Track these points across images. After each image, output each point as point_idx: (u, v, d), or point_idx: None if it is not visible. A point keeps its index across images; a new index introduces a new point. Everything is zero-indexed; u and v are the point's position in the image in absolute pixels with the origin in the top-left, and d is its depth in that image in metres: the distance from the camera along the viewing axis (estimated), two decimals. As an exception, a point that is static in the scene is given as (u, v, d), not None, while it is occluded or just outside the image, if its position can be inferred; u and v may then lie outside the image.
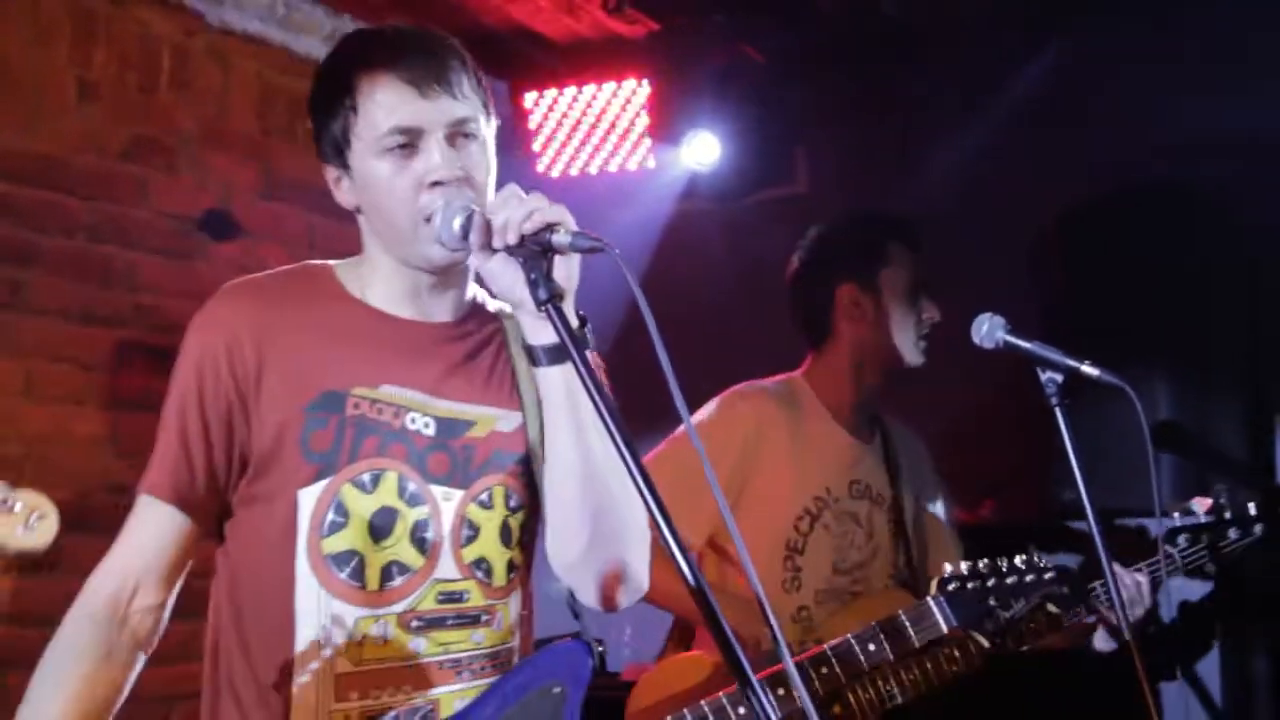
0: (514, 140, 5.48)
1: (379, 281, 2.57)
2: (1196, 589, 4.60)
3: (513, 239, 2.27)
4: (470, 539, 2.54)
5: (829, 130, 5.46)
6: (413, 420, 2.52)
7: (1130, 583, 3.69)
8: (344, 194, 2.55)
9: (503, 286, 2.37)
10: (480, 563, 2.55)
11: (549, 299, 2.23)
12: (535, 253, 2.26)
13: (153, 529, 2.53)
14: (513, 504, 2.59)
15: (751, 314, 5.14)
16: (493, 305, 2.66)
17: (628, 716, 3.72)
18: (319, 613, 2.46)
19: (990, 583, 3.42)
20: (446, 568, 2.53)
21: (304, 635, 2.46)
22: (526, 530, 2.62)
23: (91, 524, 4.47)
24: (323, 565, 2.45)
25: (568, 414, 2.45)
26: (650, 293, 5.51)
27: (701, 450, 2.19)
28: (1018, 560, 3.49)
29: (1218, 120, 4.73)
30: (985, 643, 3.74)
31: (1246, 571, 4.34)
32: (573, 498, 2.50)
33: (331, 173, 2.55)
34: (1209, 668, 4.59)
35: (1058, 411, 3.18)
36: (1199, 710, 4.58)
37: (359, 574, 2.47)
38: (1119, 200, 4.87)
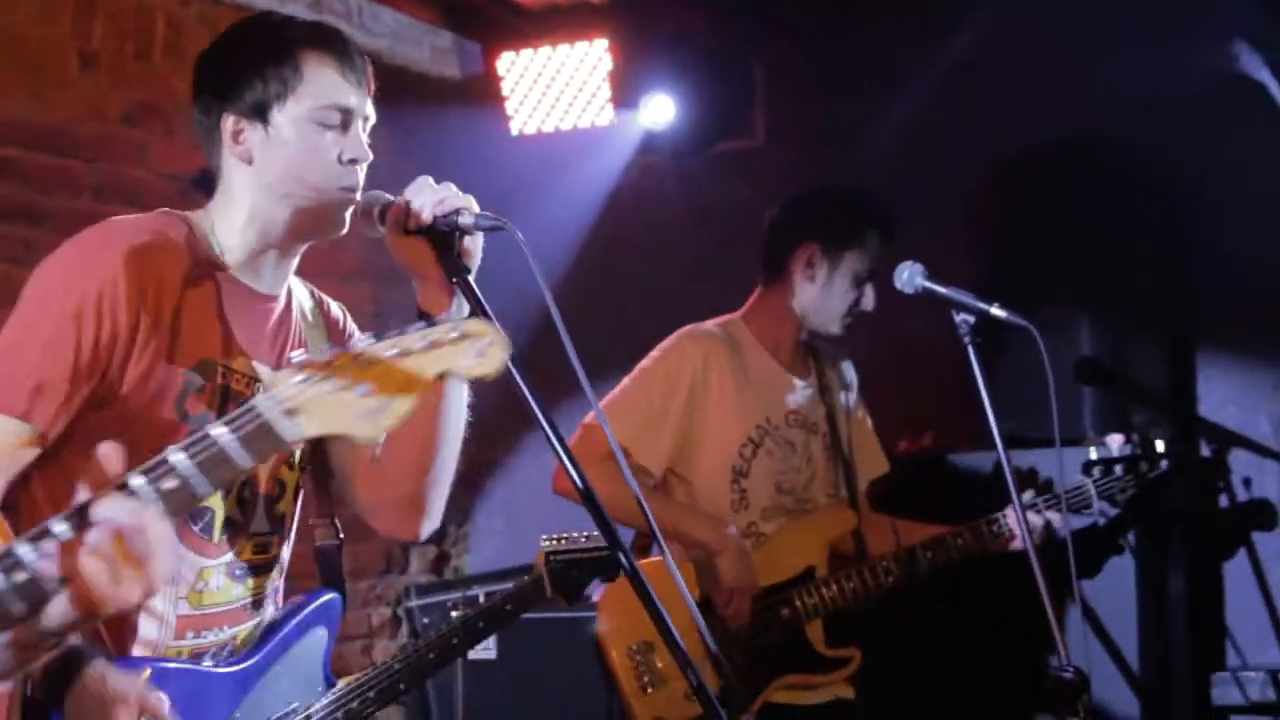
0: (488, 99, 5.77)
1: (236, 244, 2.74)
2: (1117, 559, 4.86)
3: (426, 219, 2.57)
4: (279, 496, 2.84)
5: (781, 88, 5.73)
6: (258, 389, 2.69)
7: (1032, 521, 4.08)
8: (243, 145, 2.71)
9: (408, 260, 2.66)
10: (283, 517, 2.86)
11: (455, 273, 2.55)
12: (444, 234, 2.57)
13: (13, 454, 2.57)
14: (303, 463, 2.89)
15: (705, 260, 5.48)
16: (291, 283, 2.86)
17: (600, 608, 4.04)
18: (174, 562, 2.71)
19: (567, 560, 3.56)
20: (260, 522, 2.80)
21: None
22: (303, 486, 2.92)
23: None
24: (181, 519, 2.66)
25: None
26: (611, 241, 5.99)
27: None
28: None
29: (1132, 77, 5.02)
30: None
31: (1163, 498, 4.71)
32: (424, 443, 2.80)
33: (237, 123, 2.71)
34: (1126, 585, 4.89)
35: (970, 349, 3.47)
36: (1117, 623, 4.89)
37: (209, 528, 2.71)
38: (1043, 155, 5.13)
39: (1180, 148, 5.10)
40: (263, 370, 2.77)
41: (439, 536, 6.35)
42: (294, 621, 2.84)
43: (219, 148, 2.77)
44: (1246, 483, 4.86)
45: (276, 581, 2.89)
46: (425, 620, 5.49)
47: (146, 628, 2.67)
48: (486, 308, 2.50)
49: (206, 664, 2.73)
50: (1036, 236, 5.09)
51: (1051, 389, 3.50)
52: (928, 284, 3.64)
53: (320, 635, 2.86)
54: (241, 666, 2.77)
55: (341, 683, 2.93)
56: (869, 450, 4.48)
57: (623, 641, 3.99)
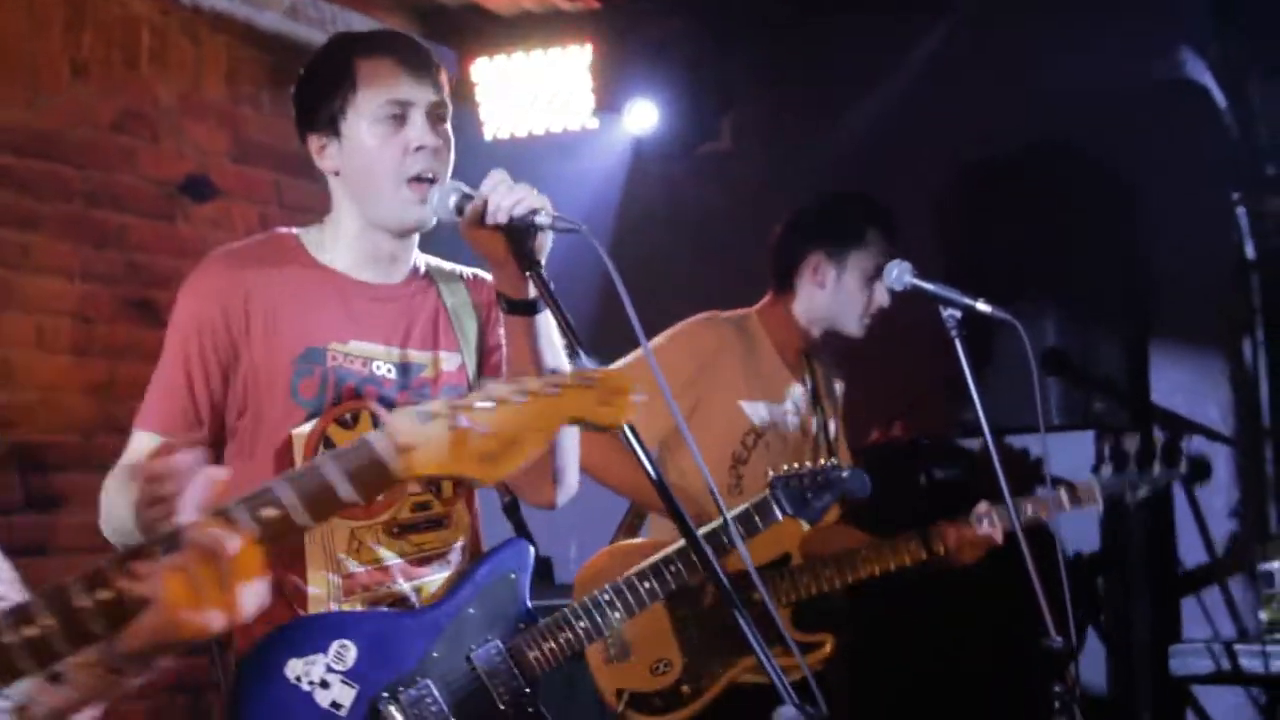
0: (461, 106, 5.89)
1: (343, 248, 3.00)
2: (1080, 529, 5.15)
3: (503, 219, 2.74)
4: None
5: (754, 94, 5.92)
6: (378, 367, 2.96)
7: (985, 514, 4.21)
8: (328, 159, 2.97)
9: (483, 249, 2.84)
10: (434, 479, 2.99)
11: (530, 266, 2.73)
12: (520, 230, 2.73)
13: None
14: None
15: (685, 259, 5.64)
16: (422, 266, 3.10)
17: (577, 582, 4.11)
18: (322, 527, 2.89)
19: (805, 480, 3.83)
20: (411, 484, 2.98)
21: (311, 549, 2.91)
22: None
23: (95, 462, 4.98)
24: None
25: (531, 347, 2.92)
26: (600, 237, 6.03)
27: (658, 370, 2.70)
28: (825, 464, 3.89)
29: (1091, 81, 5.25)
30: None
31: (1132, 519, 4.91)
32: None
33: (318, 141, 2.97)
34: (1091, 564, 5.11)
35: (957, 342, 3.66)
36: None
37: None
38: (1007, 155, 5.36)
39: (1135, 148, 5.32)
40: (372, 349, 2.97)
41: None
42: (485, 567, 3.05)
43: (319, 170, 3.04)
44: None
45: (455, 537, 3.07)
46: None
47: (314, 590, 2.90)
48: (556, 298, 2.68)
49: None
50: (1001, 234, 5.31)
51: (1035, 378, 3.70)
52: (916, 281, 3.83)
53: (512, 577, 3.06)
54: (434, 610, 2.97)
55: (543, 621, 3.14)
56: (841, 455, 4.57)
57: None
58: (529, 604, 3.10)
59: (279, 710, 2.80)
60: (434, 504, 3.05)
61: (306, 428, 2.91)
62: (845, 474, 3.85)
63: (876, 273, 4.30)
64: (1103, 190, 5.37)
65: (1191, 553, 5.40)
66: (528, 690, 3.03)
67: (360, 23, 6.00)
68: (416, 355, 3.03)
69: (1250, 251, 5.66)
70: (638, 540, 4.28)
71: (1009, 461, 4.49)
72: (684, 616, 4.08)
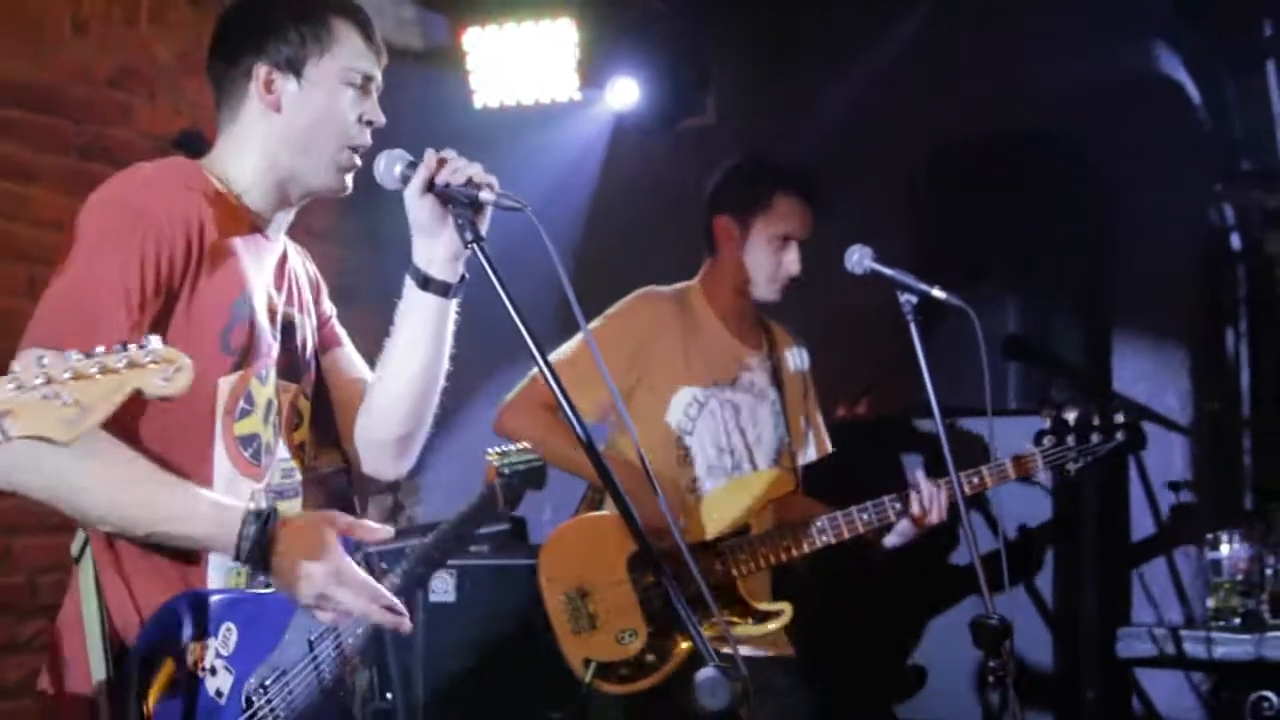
0: (452, 73, 6.02)
1: (252, 189, 2.89)
2: (1034, 512, 5.25)
3: (458, 181, 2.79)
4: (297, 424, 3.00)
5: (733, 72, 6.04)
6: (277, 321, 2.91)
7: (926, 492, 4.27)
8: (274, 94, 2.88)
9: (422, 218, 2.88)
10: (302, 445, 3.02)
11: (475, 239, 2.77)
12: (464, 204, 2.79)
13: None
14: (315, 395, 3.07)
15: (665, 230, 5.75)
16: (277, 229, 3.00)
17: (541, 555, 4.30)
18: (226, 483, 2.79)
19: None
20: (284, 449, 2.95)
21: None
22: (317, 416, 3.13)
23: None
24: (234, 445, 2.81)
25: (433, 329, 2.98)
26: (578, 210, 6.24)
27: (597, 352, 2.82)
28: None
29: (1059, 73, 5.40)
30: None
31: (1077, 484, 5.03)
32: (409, 394, 3.04)
33: (269, 72, 2.88)
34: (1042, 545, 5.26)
35: (912, 327, 3.78)
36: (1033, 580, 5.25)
37: (257, 454, 2.86)
38: (979, 140, 5.49)
39: (1103, 140, 5.44)
40: (279, 305, 2.94)
41: (394, 486, 6.63)
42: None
43: (242, 97, 2.92)
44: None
45: (300, 507, 3.00)
46: (384, 565, 5.74)
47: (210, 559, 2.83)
48: (499, 274, 2.71)
49: (262, 589, 2.84)
50: (969, 220, 5.45)
51: (984, 363, 3.84)
52: (876, 266, 3.95)
53: (359, 557, 2.94)
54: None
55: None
56: (814, 431, 4.70)
57: (559, 588, 4.22)
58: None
59: (181, 697, 2.69)
60: (295, 470, 3.00)
61: (234, 378, 2.81)
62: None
63: (784, 240, 4.41)
64: (1072, 179, 5.49)
65: (1143, 537, 5.54)
66: (346, 671, 2.96)
67: (358, -13, 6.12)
68: (294, 315, 3.03)
69: (1235, 242, 5.81)
70: (602, 513, 4.37)
71: (964, 441, 4.68)
72: (648, 587, 4.19)
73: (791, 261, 4.42)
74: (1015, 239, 5.38)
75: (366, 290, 6.37)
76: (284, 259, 3.03)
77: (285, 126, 2.91)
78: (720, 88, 6.04)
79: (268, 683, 2.78)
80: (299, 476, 2.99)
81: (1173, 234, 5.59)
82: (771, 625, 4.29)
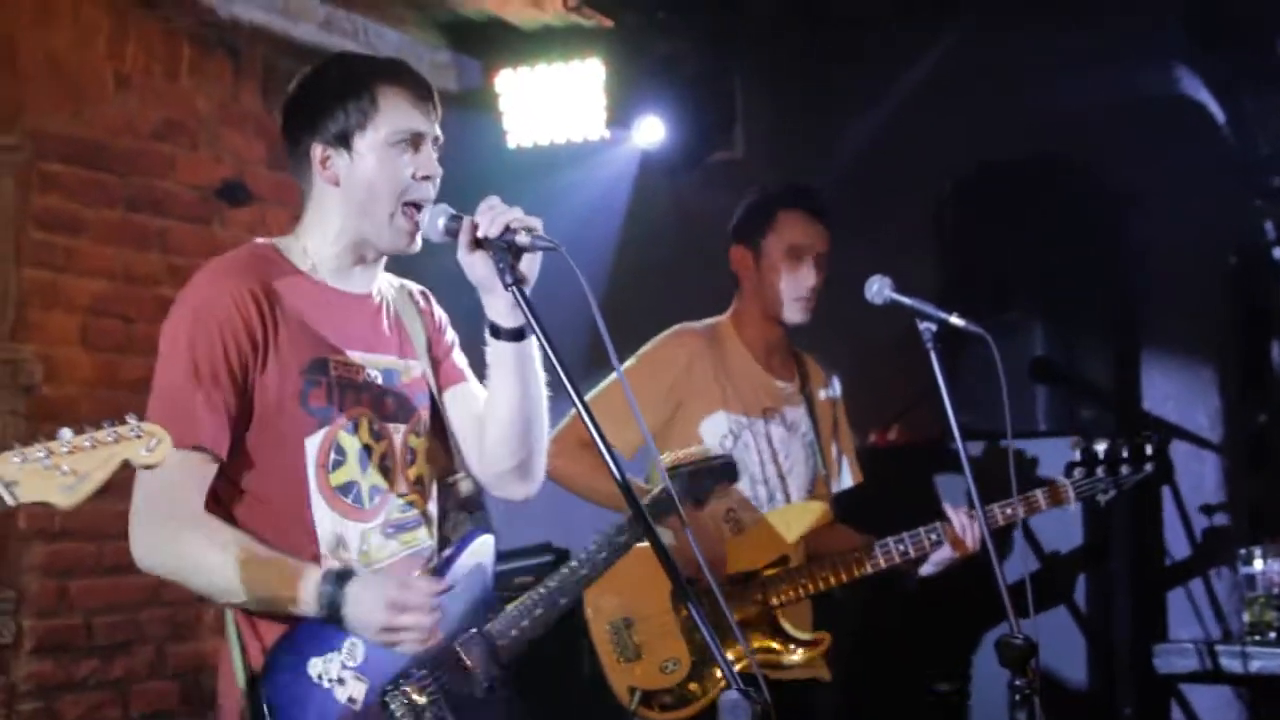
0: (486, 115, 6.15)
1: (327, 257, 3.13)
2: (1067, 530, 5.29)
3: (494, 232, 2.92)
4: (411, 461, 3.23)
5: (757, 109, 6.14)
6: (369, 375, 3.15)
7: (957, 523, 4.34)
8: (330, 169, 3.09)
9: (478, 275, 3.03)
10: (419, 479, 3.27)
11: (514, 282, 2.91)
12: (503, 249, 2.92)
13: (201, 479, 2.99)
14: (429, 431, 3.29)
15: (694, 265, 5.84)
16: (380, 281, 3.27)
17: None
18: (331, 530, 3.06)
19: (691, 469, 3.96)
20: (401, 486, 3.19)
21: (324, 549, 3.05)
22: (433, 450, 3.35)
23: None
24: (331, 494, 3.07)
25: (517, 372, 3.16)
26: (607, 246, 6.32)
27: (630, 395, 2.95)
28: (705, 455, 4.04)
29: (1081, 98, 5.47)
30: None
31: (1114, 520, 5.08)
32: (513, 431, 3.23)
33: (323, 151, 3.09)
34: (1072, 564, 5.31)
35: (932, 354, 3.81)
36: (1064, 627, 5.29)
37: (358, 498, 3.10)
38: (1001, 170, 5.52)
39: (1125, 162, 5.48)
40: (363, 357, 3.16)
41: (466, 504, 6.75)
42: (458, 560, 3.22)
43: (309, 174, 3.15)
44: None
45: (430, 533, 3.26)
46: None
47: None
48: (537, 317, 2.87)
49: None
50: (995, 246, 5.47)
51: (1004, 389, 3.86)
52: (895, 295, 4.00)
53: (481, 568, 3.25)
54: None
55: (510, 606, 3.38)
56: (848, 460, 4.77)
57: (604, 618, 4.29)
58: (494, 591, 3.29)
59: (307, 708, 2.95)
60: (416, 503, 3.23)
61: (319, 435, 3.06)
62: (716, 463, 4.01)
63: (793, 253, 4.48)
64: (1096, 201, 5.51)
65: (1176, 554, 5.59)
66: (503, 673, 3.20)
67: (391, 36, 6.27)
68: (395, 361, 3.23)
69: (1277, 256, 5.85)
70: (646, 545, 4.44)
71: (993, 467, 4.71)
72: (689, 617, 4.23)
73: (807, 275, 4.48)
74: (1041, 262, 5.40)
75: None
76: (379, 310, 3.24)
77: (345, 197, 3.11)
78: (748, 122, 6.14)
79: (405, 686, 3.05)
80: (424, 507, 3.25)
81: (1200, 251, 5.62)
82: (811, 653, 4.37)
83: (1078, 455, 4.50)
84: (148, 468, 2.46)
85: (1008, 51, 5.68)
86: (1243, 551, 5.25)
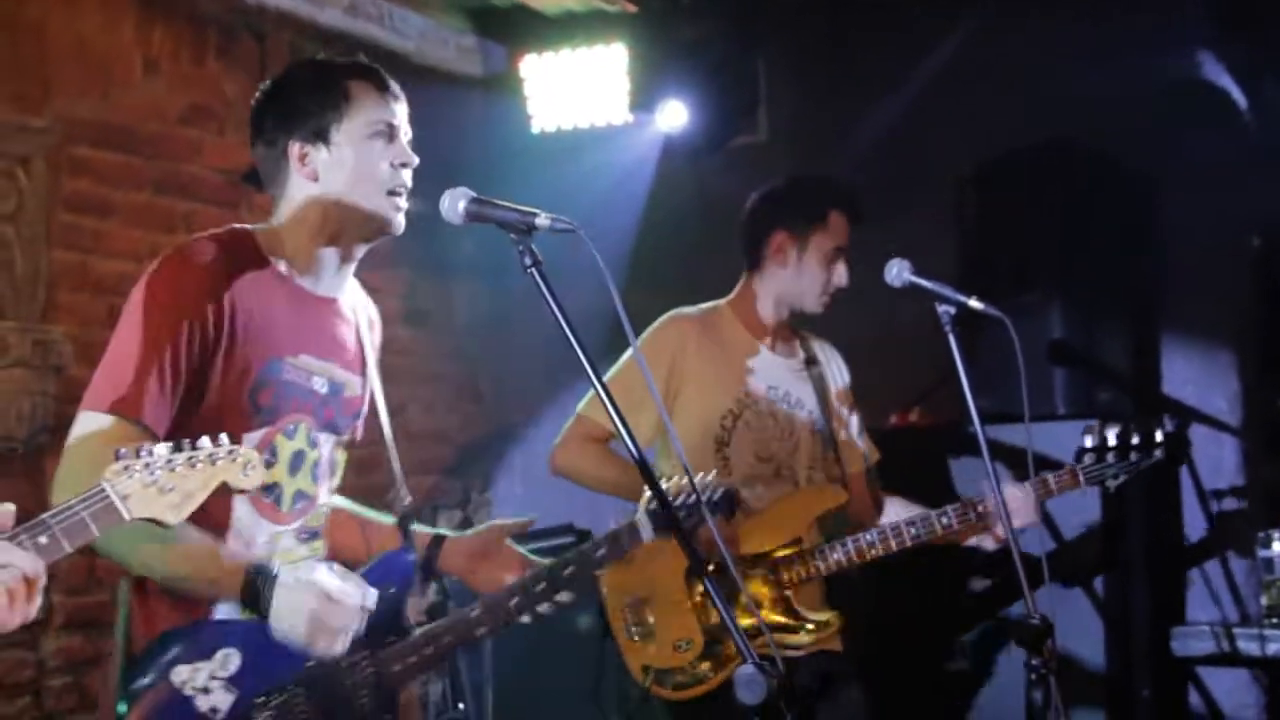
0: (512, 99, 6.21)
1: (301, 254, 3.16)
2: (1085, 513, 5.22)
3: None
4: (332, 473, 3.30)
5: (779, 93, 6.18)
6: (316, 382, 3.19)
7: (1012, 495, 4.26)
8: (308, 165, 3.15)
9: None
10: (339, 491, 3.36)
11: (533, 264, 2.90)
12: (522, 230, 2.91)
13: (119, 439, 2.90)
14: (351, 448, 3.35)
15: (716, 249, 5.87)
16: (349, 288, 3.30)
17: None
18: (247, 525, 3.10)
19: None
20: (324, 494, 3.27)
21: (234, 544, 3.08)
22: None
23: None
24: (257, 493, 3.08)
25: None
26: (629, 229, 6.36)
27: (648, 372, 2.98)
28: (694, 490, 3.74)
29: (1101, 82, 5.49)
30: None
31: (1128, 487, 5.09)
32: None
33: (300, 148, 3.14)
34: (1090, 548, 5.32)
35: (950, 337, 3.84)
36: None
37: (279, 500, 3.15)
38: (1022, 154, 5.54)
39: (1146, 147, 5.51)
40: (315, 363, 3.20)
41: (463, 501, 6.82)
42: (369, 579, 3.14)
43: (285, 172, 3.20)
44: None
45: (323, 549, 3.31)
46: (449, 580, 5.88)
47: None
48: (556, 297, 2.87)
49: None
50: (1015, 228, 5.50)
51: (1022, 372, 3.87)
52: (914, 278, 4.03)
53: (391, 591, 3.19)
54: None
55: (418, 631, 3.28)
56: (864, 437, 4.78)
57: (619, 597, 4.34)
58: (405, 616, 3.26)
59: (160, 713, 2.95)
60: (328, 513, 3.33)
61: (258, 434, 3.09)
62: (715, 496, 3.79)
63: (836, 253, 4.53)
64: (1117, 186, 5.54)
65: (1194, 537, 5.62)
66: (389, 700, 3.19)
67: (416, 20, 6.32)
68: (341, 374, 3.27)
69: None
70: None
71: (1011, 449, 4.75)
72: (703, 596, 4.28)
73: (841, 275, 4.54)
74: (1061, 246, 5.42)
75: (436, 312, 6.59)
76: (342, 317, 3.29)
77: (324, 190, 3.16)
78: (772, 106, 6.18)
79: (276, 701, 3.03)
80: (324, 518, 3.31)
81: (1220, 236, 5.63)
82: (822, 634, 4.39)
83: (1088, 441, 4.50)
84: (242, 492, 2.67)
85: (1028, 37, 5.70)
86: (1261, 535, 5.25)
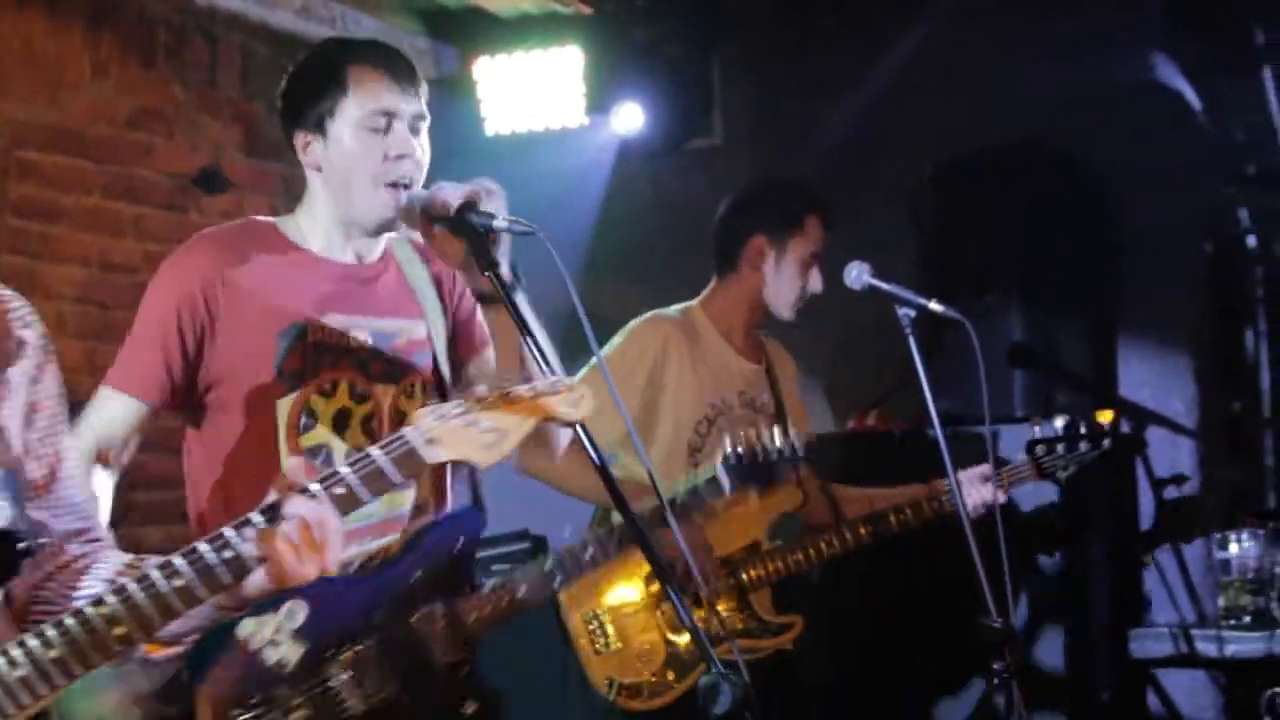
0: (464, 102, 6.15)
1: (320, 234, 3.18)
2: (1041, 525, 5.30)
3: (454, 208, 2.90)
4: (399, 423, 3.14)
5: (737, 95, 6.15)
6: (355, 337, 3.15)
7: (969, 476, 4.35)
8: (311, 156, 3.14)
9: (442, 252, 3.01)
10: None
11: (489, 267, 2.88)
12: (479, 233, 2.90)
13: (119, 414, 3.09)
14: (426, 393, 3.27)
15: (672, 252, 5.84)
16: (384, 247, 3.27)
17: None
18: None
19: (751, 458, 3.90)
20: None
21: None
22: None
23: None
24: (302, 456, 3.07)
25: (515, 340, 3.06)
26: (585, 232, 6.33)
27: (609, 380, 2.93)
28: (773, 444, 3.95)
29: (1059, 83, 5.50)
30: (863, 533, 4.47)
31: (1087, 489, 5.11)
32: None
33: (304, 138, 3.14)
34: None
35: (910, 340, 3.86)
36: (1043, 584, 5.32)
37: (328, 460, 3.09)
38: (979, 155, 5.56)
39: (1104, 149, 5.51)
40: (347, 320, 3.17)
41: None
42: (435, 533, 3.18)
43: (299, 162, 3.21)
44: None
45: (410, 499, 3.23)
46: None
47: None
48: (514, 300, 2.86)
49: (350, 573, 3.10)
50: (974, 230, 5.51)
51: (982, 374, 3.90)
52: (873, 281, 4.04)
53: (461, 544, 3.20)
54: (384, 573, 3.12)
55: (488, 584, 3.31)
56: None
57: (578, 608, 4.29)
58: (474, 570, 3.26)
59: (226, 665, 2.91)
60: None
61: (290, 398, 3.10)
62: (791, 450, 3.93)
63: (813, 259, 4.49)
64: (1074, 187, 5.55)
65: (1152, 539, 5.62)
66: (466, 650, 3.16)
67: (369, 23, 6.25)
68: (389, 324, 3.23)
69: (1252, 243, 5.88)
70: None
71: (975, 449, 4.73)
72: (667, 605, 4.23)
73: (817, 280, 4.50)
74: (1019, 248, 5.44)
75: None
76: (375, 274, 3.25)
77: (325, 181, 3.16)
78: (726, 109, 6.15)
79: (348, 652, 3.01)
80: None
81: (1177, 238, 5.66)
82: (783, 637, 4.37)
83: (1037, 432, 4.51)
84: (569, 425, 2.55)
85: (986, 38, 5.70)
86: (1218, 536, 5.27)
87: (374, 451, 2.39)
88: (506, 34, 6.08)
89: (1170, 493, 5.52)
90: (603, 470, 2.78)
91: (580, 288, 2.77)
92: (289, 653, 2.93)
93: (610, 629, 4.28)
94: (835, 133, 5.93)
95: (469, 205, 2.92)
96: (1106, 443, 4.50)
